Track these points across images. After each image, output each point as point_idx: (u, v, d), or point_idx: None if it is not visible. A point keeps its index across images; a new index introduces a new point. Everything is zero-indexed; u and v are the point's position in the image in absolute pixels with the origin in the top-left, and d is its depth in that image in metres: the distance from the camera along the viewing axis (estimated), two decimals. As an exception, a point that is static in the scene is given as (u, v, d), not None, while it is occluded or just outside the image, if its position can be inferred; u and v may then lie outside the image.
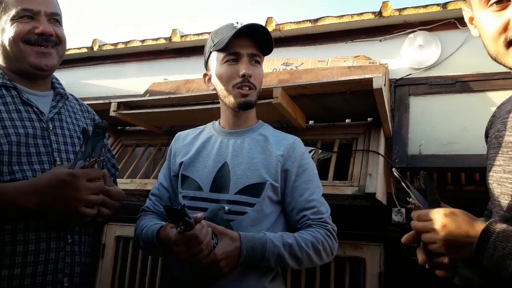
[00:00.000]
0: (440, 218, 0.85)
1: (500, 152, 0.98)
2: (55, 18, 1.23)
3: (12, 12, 1.18)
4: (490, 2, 0.90)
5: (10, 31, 1.18)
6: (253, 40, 1.30)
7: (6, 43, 1.19)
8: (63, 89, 1.37)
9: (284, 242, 1.17)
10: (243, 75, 1.27)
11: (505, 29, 0.89)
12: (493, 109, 2.14)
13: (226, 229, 1.16)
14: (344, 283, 1.99)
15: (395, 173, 1.03)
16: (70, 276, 1.17)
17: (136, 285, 2.24)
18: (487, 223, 0.81)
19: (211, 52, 1.36)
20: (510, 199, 0.92)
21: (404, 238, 0.96)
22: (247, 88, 1.29)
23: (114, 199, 1.19)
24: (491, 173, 1.01)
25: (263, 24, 2.70)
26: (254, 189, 1.25)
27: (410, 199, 0.99)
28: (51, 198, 1.04)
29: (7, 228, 1.07)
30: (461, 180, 2.25)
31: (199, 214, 1.10)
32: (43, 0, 1.21)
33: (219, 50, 1.31)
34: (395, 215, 2.09)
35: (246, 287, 1.19)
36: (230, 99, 1.31)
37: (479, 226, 0.81)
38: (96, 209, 1.12)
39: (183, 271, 1.24)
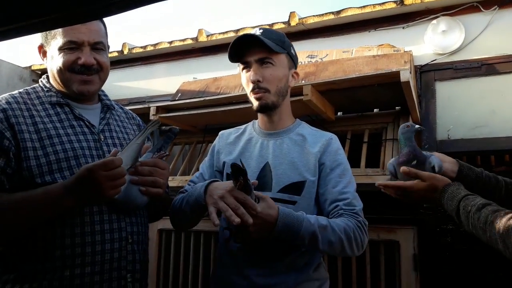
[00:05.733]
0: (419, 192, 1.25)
1: None
2: (97, 47, 1.34)
3: (59, 42, 1.30)
4: None
5: (58, 60, 1.31)
6: (259, 45, 1.34)
7: (55, 70, 1.33)
8: (109, 100, 1.49)
9: (319, 224, 1.21)
10: (252, 82, 1.35)
11: None
12: (521, 90, 2.17)
13: (267, 196, 1.21)
14: (380, 266, 2.05)
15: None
16: (132, 272, 1.31)
17: (180, 275, 2.37)
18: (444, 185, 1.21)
19: None
20: None
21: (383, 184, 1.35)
22: (259, 93, 1.36)
23: (162, 168, 1.28)
24: None
25: (286, 19, 2.78)
26: (295, 187, 1.33)
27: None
28: (81, 194, 1.14)
29: (77, 232, 1.22)
30: (490, 162, 2.28)
31: (254, 181, 1.22)
32: (87, 30, 1.31)
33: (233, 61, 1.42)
34: (426, 199, 2.15)
35: (293, 277, 1.29)
36: (252, 103, 1.41)
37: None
38: (120, 190, 1.18)
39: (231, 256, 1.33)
